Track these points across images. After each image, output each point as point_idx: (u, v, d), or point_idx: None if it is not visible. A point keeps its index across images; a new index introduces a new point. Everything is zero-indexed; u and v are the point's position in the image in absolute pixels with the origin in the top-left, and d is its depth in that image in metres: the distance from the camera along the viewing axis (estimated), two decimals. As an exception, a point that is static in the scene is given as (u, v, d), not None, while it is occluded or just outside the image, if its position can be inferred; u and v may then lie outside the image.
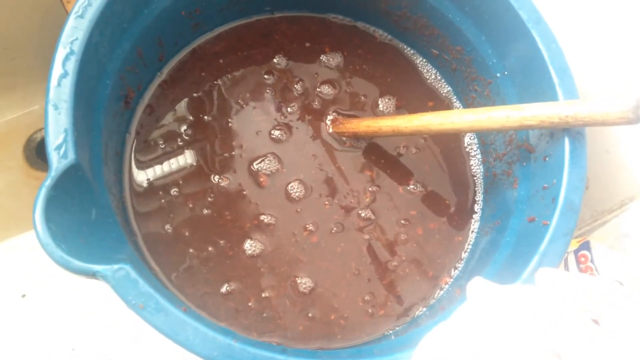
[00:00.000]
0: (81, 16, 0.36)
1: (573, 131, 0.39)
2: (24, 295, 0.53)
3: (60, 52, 0.35)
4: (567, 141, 0.39)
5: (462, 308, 0.25)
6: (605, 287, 0.23)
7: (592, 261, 0.43)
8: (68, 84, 0.35)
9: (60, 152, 0.34)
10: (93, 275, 0.32)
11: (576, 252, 0.45)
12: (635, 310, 0.22)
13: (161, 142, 0.47)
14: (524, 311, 0.23)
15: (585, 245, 0.44)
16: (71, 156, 0.34)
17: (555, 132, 0.40)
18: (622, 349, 0.21)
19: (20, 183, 0.64)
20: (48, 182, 0.32)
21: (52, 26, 0.56)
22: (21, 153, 0.65)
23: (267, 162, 0.47)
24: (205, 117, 0.48)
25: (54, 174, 0.33)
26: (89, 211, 0.35)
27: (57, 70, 0.35)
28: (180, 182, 0.46)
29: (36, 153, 0.65)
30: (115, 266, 0.32)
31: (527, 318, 0.22)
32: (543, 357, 0.21)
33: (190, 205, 0.45)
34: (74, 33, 0.36)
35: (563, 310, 0.22)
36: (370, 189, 0.48)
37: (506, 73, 0.45)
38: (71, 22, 0.36)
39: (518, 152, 0.45)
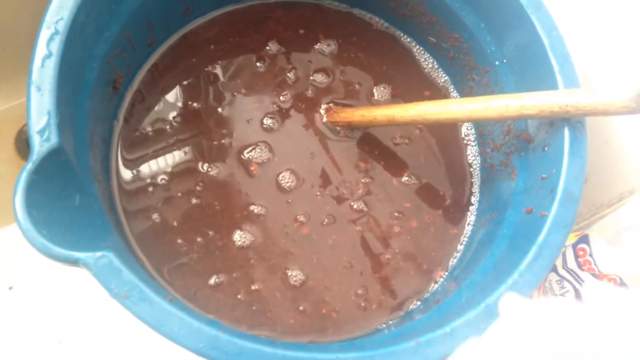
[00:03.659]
0: (66, -5, 0.35)
1: (573, 120, 0.38)
2: (11, 288, 0.53)
3: (45, 33, 0.34)
4: (566, 130, 0.38)
5: (495, 325, 0.24)
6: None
7: (590, 255, 0.42)
8: (52, 65, 0.34)
9: (43, 136, 0.32)
10: (75, 262, 0.30)
11: (574, 245, 0.44)
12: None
13: (150, 130, 0.45)
14: (561, 328, 0.22)
15: (584, 239, 0.43)
16: (54, 140, 0.32)
17: (555, 121, 0.39)
18: None
19: (10, 175, 0.62)
20: (29, 166, 0.31)
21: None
22: (12, 144, 0.64)
23: (258, 150, 0.46)
24: (195, 105, 0.47)
25: (35, 157, 0.32)
26: (72, 197, 0.34)
27: (40, 50, 0.34)
28: (169, 170, 0.45)
29: (28, 145, 0.64)
30: (98, 253, 0.31)
31: (564, 336, 0.21)
32: None
33: (179, 195, 0.44)
34: (59, 13, 0.35)
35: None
36: (363, 180, 0.47)
37: (505, 61, 0.44)
38: (56, 1, 0.35)
39: (516, 142, 0.44)
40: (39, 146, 0.32)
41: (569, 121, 0.38)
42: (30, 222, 0.29)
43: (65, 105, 0.35)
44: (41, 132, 0.32)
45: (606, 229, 0.43)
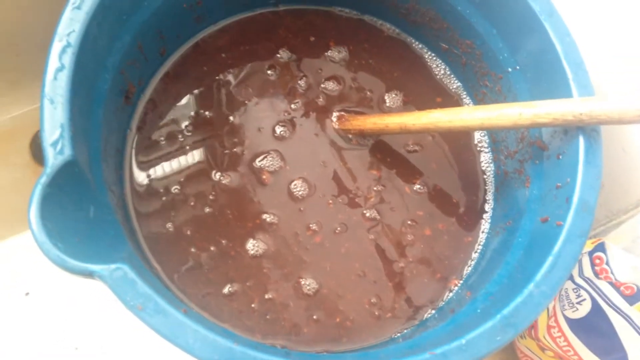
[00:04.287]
0: (78, 7, 0.35)
1: (588, 128, 0.38)
2: (27, 294, 0.53)
3: (57, 45, 0.34)
4: (581, 139, 0.38)
5: None
6: None
7: (607, 263, 0.42)
8: (64, 77, 0.34)
9: (57, 148, 0.32)
10: (90, 275, 0.30)
11: (590, 253, 0.43)
12: None
13: (162, 139, 0.46)
14: None
15: (600, 247, 0.43)
16: (68, 152, 0.32)
17: (570, 130, 0.39)
18: None
19: (26, 180, 0.63)
20: (44, 179, 0.31)
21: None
22: (27, 149, 0.64)
23: (270, 159, 0.46)
24: (207, 113, 0.47)
25: (49, 170, 0.32)
26: (87, 209, 0.34)
27: (53, 63, 0.34)
28: (182, 179, 0.45)
29: (42, 150, 0.64)
30: (113, 266, 0.31)
31: None
32: None
33: (192, 204, 0.44)
34: (70, 25, 0.35)
35: None
36: (375, 188, 0.47)
37: (518, 68, 0.44)
38: (68, 13, 0.35)
39: (530, 150, 0.43)
40: (53, 159, 0.32)
41: (584, 129, 0.38)
42: (45, 235, 0.29)
43: (79, 117, 0.35)
44: (55, 144, 0.32)
45: (623, 236, 0.43)
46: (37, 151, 0.64)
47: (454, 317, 0.39)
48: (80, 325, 0.52)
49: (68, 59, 0.34)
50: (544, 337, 0.47)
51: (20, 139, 0.64)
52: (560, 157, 0.39)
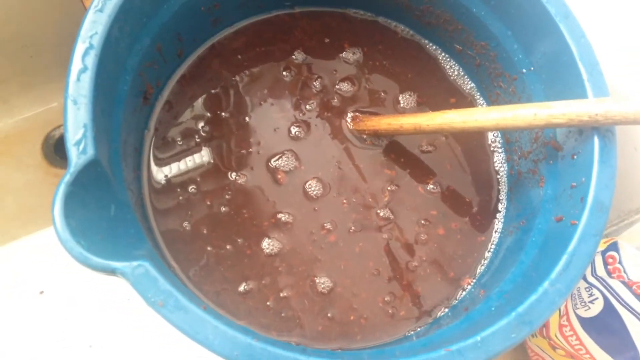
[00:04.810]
0: (100, 10, 0.36)
1: (603, 129, 0.38)
2: (42, 292, 0.54)
3: (80, 47, 0.35)
4: (596, 139, 0.38)
5: None
6: None
7: (620, 262, 0.42)
8: (87, 78, 0.34)
9: (80, 148, 0.33)
10: (112, 272, 0.31)
11: (603, 252, 0.44)
12: None
13: (179, 139, 0.46)
14: None
15: (614, 246, 0.43)
16: (90, 152, 0.33)
17: (584, 130, 0.39)
18: None
19: (38, 181, 0.64)
20: (67, 178, 0.32)
21: (70, 23, 0.56)
22: (39, 150, 0.65)
23: (285, 159, 0.47)
24: (223, 114, 0.48)
25: (73, 169, 0.32)
26: (108, 207, 0.34)
27: (76, 64, 0.34)
28: (198, 179, 0.45)
29: (54, 150, 0.65)
30: (135, 263, 0.31)
31: None
32: None
33: (208, 203, 0.45)
34: (93, 27, 0.35)
35: None
36: (389, 187, 0.48)
37: (532, 69, 0.44)
38: (90, 16, 0.36)
39: (544, 150, 0.44)
40: (76, 158, 0.33)
41: (599, 129, 0.38)
42: (69, 233, 0.30)
43: (100, 117, 0.35)
44: (78, 144, 0.33)
45: (636, 236, 0.43)
46: (48, 152, 0.65)
47: (467, 316, 0.39)
48: (94, 323, 0.52)
49: (91, 61, 0.35)
50: (556, 336, 0.47)
51: (32, 140, 0.65)
52: (575, 157, 0.40)
